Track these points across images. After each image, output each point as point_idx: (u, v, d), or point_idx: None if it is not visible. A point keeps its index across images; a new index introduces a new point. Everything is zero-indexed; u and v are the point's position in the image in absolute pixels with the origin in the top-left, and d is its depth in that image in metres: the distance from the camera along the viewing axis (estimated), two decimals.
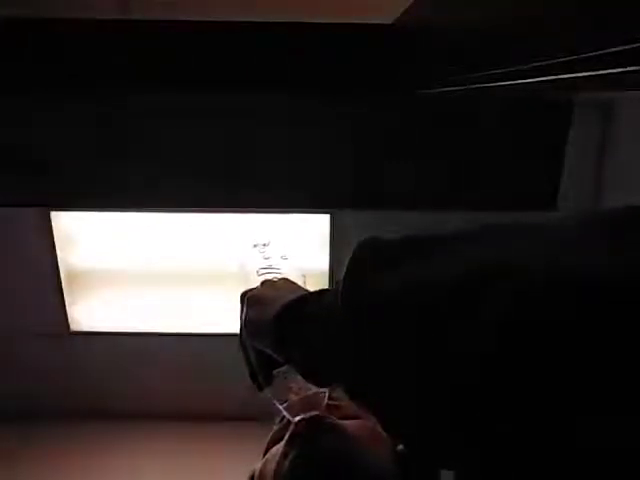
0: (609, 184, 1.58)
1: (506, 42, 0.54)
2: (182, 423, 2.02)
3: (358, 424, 0.62)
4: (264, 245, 0.75)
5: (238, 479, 0.72)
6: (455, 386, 0.30)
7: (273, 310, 0.51)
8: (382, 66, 1.08)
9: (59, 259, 1.87)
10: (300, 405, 0.62)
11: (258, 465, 0.66)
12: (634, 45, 0.32)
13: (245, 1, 1.12)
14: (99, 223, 1.86)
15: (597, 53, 0.36)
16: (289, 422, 0.62)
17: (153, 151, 1.34)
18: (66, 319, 1.96)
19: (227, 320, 1.87)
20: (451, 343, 0.31)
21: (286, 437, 0.61)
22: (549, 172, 1.38)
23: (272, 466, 0.60)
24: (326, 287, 0.49)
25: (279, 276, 0.68)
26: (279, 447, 0.62)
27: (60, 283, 1.90)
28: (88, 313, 1.99)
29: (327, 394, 0.64)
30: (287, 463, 0.58)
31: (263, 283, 0.63)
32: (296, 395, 0.62)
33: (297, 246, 1.84)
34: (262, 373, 0.60)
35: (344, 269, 0.40)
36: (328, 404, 0.63)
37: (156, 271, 1.94)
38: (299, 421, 0.60)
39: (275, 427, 0.69)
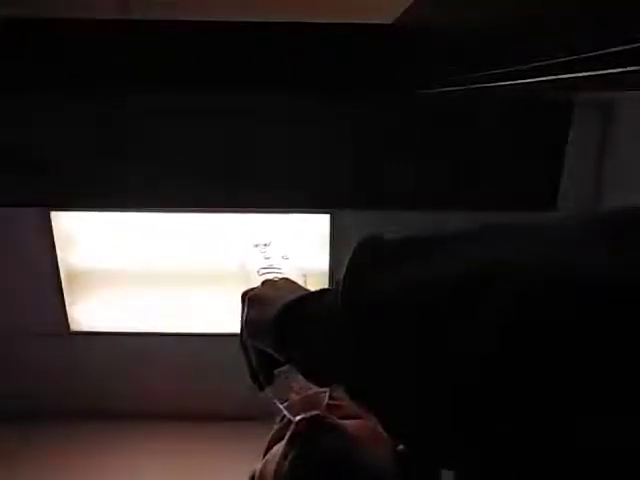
0: (609, 184, 1.58)
1: (506, 42, 0.54)
2: (182, 423, 2.02)
3: (358, 424, 0.62)
4: (265, 245, 0.75)
5: (238, 479, 0.72)
6: (455, 386, 0.30)
7: (274, 310, 0.51)
8: (382, 66, 1.08)
9: (59, 259, 1.87)
10: (301, 404, 0.62)
11: (258, 465, 0.66)
12: (634, 45, 0.32)
13: (245, 1, 1.12)
14: (99, 223, 1.86)
15: (597, 53, 0.36)
16: (290, 422, 0.62)
17: (153, 151, 1.34)
18: (66, 319, 1.96)
19: (227, 320, 1.87)
20: (451, 343, 0.31)
21: (286, 437, 0.61)
22: (549, 172, 1.38)
23: (272, 466, 0.60)
24: (326, 287, 0.49)
25: (280, 276, 0.68)
26: (279, 447, 0.62)
27: (60, 283, 1.90)
28: (88, 313, 1.99)
29: (328, 394, 0.64)
30: (287, 463, 0.58)
31: (264, 283, 0.63)
32: (297, 395, 0.62)
33: (297, 246, 1.84)
34: (263, 373, 0.60)
35: (344, 268, 0.40)
36: (328, 404, 0.63)
37: (156, 271, 1.94)
38: (299, 421, 0.60)
39: (276, 427, 0.68)
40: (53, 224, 1.82)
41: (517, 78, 0.51)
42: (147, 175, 1.35)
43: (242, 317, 0.59)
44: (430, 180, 1.37)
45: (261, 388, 0.62)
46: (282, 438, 0.62)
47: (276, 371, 0.60)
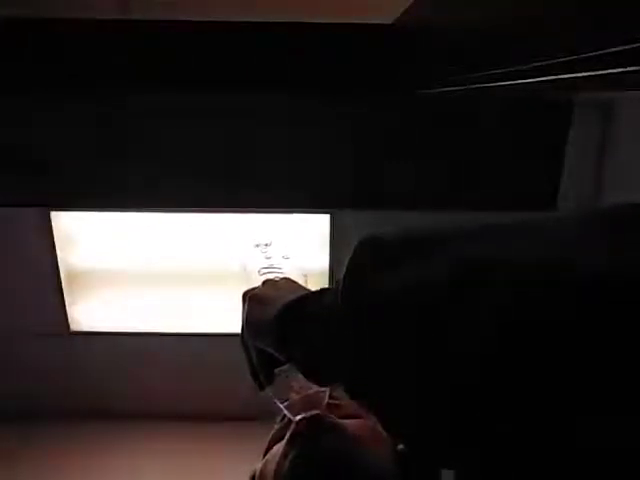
0: (609, 184, 1.58)
1: (506, 42, 0.54)
2: (182, 423, 2.02)
3: (359, 424, 0.62)
4: (266, 245, 0.75)
5: (238, 479, 0.72)
6: (455, 386, 0.30)
7: (274, 309, 0.51)
8: (382, 66, 1.08)
9: (59, 259, 1.87)
10: (301, 404, 0.62)
11: (259, 465, 0.66)
12: (634, 45, 0.32)
13: (245, 1, 1.12)
14: (99, 223, 1.86)
15: (597, 53, 0.36)
16: (290, 421, 0.62)
17: (153, 151, 1.34)
18: (66, 319, 1.96)
19: (227, 320, 1.87)
20: (451, 343, 0.31)
21: (287, 436, 0.61)
22: (549, 172, 1.38)
23: (272, 466, 0.60)
24: (327, 286, 0.49)
25: (281, 276, 0.68)
26: (280, 446, 0.62)
27: (60, 283, 1.90)
28: (88, 313, 1.99)
29: (328, 393, 0.64)
30: (287, 462, 0.58)
31: (265, 283, 0.63)
32: (297, 394, 0.62)
33: (297, 246, 1.84)
34: (263, 372, 0.60)
35: (344, 268, 0.40)
36: (329, 403, 0.63)
37: (156, 271, 1.94)
38: (300, 420, 0.60)
39: (276, 426, 0.69)
40: (53, 224, 1.82)
41: (517, 78, 0.51)
42: (147, 175, 1.36)
43: (243, 316, 0.60)
44: (430, 180, 1.37)
45: (261, 387, 0.62)
46: (282, 438, 0.62)
47: (276, 370, 0.60)
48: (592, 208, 0.37)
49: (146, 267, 1.93)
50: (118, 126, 1.31)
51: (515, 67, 0.49)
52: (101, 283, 1.95)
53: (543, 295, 0.28)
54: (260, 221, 1.83)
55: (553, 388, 0.27)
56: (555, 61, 0.41)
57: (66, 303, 1.94)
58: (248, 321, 0.58)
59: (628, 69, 0.35)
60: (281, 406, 0.63)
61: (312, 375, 0.49)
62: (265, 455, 0.66)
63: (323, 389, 0.63)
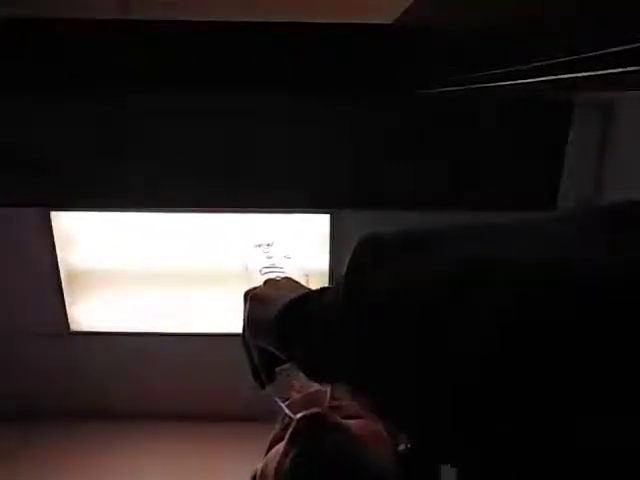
0: (609, 184, 1.58)
1: (506, 42, 0.54)
2: (182, 423, 2.02)
3: (360, 424, 0.62)
4: (268, 245, 0.75)
5: (239, 479, 0.72)
6: (455, 386, 0.30)
7: (275, 308, 0.52)
8: (382, 66, 1.08)
9: (59, 259, 1.86)
10: (302, 403, 0.62)
11: (260, 465, 0.66)
12: (634, 45, 0.32)
13: (245, 1, 1.12)
14: (99, 223, 1.86)
15: (597, 53, 0.36)
16: (291, 421, 0.62)
17: (153, 151, 1.34)
18: (66, 319, 1.96)
19: (227, 320, 1.87)
20: (451, 343, 0.31)
21: (287, 435, 0.61)
22: (549, 172, 1.38)
23: (273, 465, 0.60)
24: (327, 286, 0.49)
25: (282, 275, 0.68)
26: (281, 446, 0.62)
27: (60, 283, 1.90)
28: (88, 313, 1.98)
29: (329, 392, 0.64)
30: (288, 461, 0.58)
31: (266, 282, 0.63)
32: (298, 393, 0.62)
33: (297, 246, 1.84)
34: (264, 371, 0.60)
35: (345, 267, 0.40)
36: (330, 404, 0.63)
37: (156, 271, 1.94)
38: (300, 418, 0.60)
39: (277, 426, 0.69)
40: (53, 224, 1.82)
41: (517, 78, 0.51)
42: (147, 175, 1.36)
43: (244, 316, 0.60)
44: (430, 180, 1.37)
45: (263, 386, 0.62)
46: (284, 438, 0.62)
47: (277, 369, 0.60)
48: (592, 206, 0.37)
49: (146, 267, 1.93)
50: (118, 126, 1.31)
51: (515, 67, 0.49)
52: (101, 283, 1.95)
53: (543, 295, 0.28)
54: (260, 221, 1.83)
55: (553, 388, 0.27)
56: (555, 61, 0.41)
57: (66, 303, 1.94)
58: (249, 320, 0.58)
59: (628, 69, 0.35)
60: (282, 405, 0.63)
61: (313, 374, 0.49)
62: (266, 455, 0.66)
63: (324, 388, 0.63)
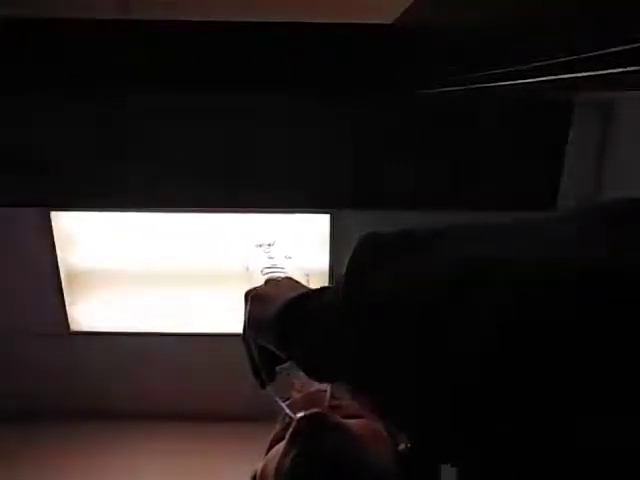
0: (609, 184, 1.58)
1: (506, 42, 0.54)
2: (182, 423, 2.02)
3: (360, 423, 0.62)
4: (269, 245, 0.75)
5: (239, 479, 0.72)
6: (455, 386, 0.30)
7: (275, 307, 0.52)
8: (382, 66, 1.08)
9: (59, 259, 1.87)
10: (302, 402, 0.62)
11: (260, 465, 0.66)
12: (634, 45, 0.32)
13: (245, 1, 1.12)
14: (99, 223, 1.86)
15: (597, 53, 0.36)
16: (292, 420, 0.62)
17: (153, 151, 1.34)
18: (66, 319, 1.96)
19: (227, 320, 1.87)
20: (451, 343, 0.31)
21: (288, 434, 0.61)
22: (549, 172, 1.38)
23: (274, 465, 0.60)
24: (327, 285, 0.49)
25: (283, 275, 0.69)
26: (281, 446, 0.62)
27: (60, 283, 1.90)
28: (88, 313, 1.98)
29: (329, 392, 0.64)
30: (288, 461, 0.58)
31: (267, 282, 0.63)
32: (299, 392, 0.62)
33: (297, 246, 1.84)
34: (265, 369, 0.60)
35: (345, 267, 0.40)
36: (330, 404, 0.63)
37: (156, 271, 1.94)
38: (300, 418, 0.60)
39: (278, 426, 0.69)
40: (53, 224, 1.82)
41: (517, 78, 0.51)
42: (147, 175, 1.35)
43: (245, 315, 0.60)
44: (430, 180, 1.37)
45: (263, 385, 0.62)
46: (284, 437, 0.62)
47: (278, 368, 0.60)
48: (591, 204, 0.37)
49: (146, 267, 1.93)
50: (118, 126, 1.31)
51: (515, 67, 0.49)
52: (101, 283, 1.95)
53: (543, 295, 0.28)
54: (260, 221, 1.83)
55: (553, 388, 0.27)
56: (555, 61, 0.41)
57: (66, 303, 1.94)
58: (250, 319, 0.59)
59: (628, 69, 0.35)
60: (282, 404, 0.63)
61: (313, 372, 0.49)
62: (266, 455, 0.66)
63: (324, 388, 0.63)
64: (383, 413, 0.39)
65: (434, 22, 0.84)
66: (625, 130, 1.53)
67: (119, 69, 1.12)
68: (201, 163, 1.35)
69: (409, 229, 0.39)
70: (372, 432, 0.61)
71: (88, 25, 1.09)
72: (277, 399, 0.63)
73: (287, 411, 0.63)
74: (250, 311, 0.59)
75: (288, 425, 0.63)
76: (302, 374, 0.51)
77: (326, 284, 0.50)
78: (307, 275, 0.70)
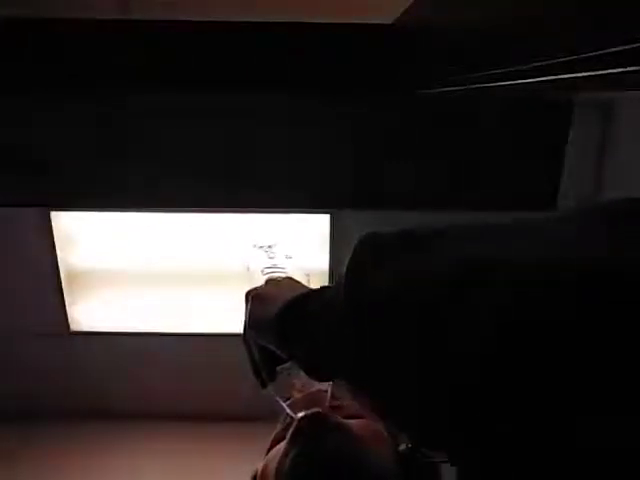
0: (609, 184, 1.58)
1: (506, 42, 0.54)
2: (182, 423, 2.02)
3: (361, 424, 0.62)
4: (269, 246, 0.75)
5: (239, 479, 0.72)
6: (455, 386, 0.30)
7: (275, 307, 0.52)
8: (382, 66, 1.08)
9: (59, 259, 1.87)
10: (303, 402, 0.62)
11: (260, 465, 0.66)
12: (634, 45, 0.32)
13: (245, 1, 1.12)
14: (99, 223, 1.86)
15: (597, 53, 0.36)
16: (292, 420, 0.62)
17: (153, 151, 1.34)
18: (66, 319, 1.96)
19: (227, 320, 1.87)
20: (451, 343, 0.31)
21: (288, 434, 0.61)
22: (549, 172, 1.38)
23: (274, 465, 0.60)
24: (327, 284, 0.49)
25: (283, 275, 0.69)
26: (281, 446, 0.62)
27: (60, 283, 1.90)
28: (88, 313, 1.99)
29: (330, 392, 0.64)
30: (289, 461, 0.58)
31: (267, 282, 0.63)
32: (299, 392, 0.62)
33: (297, 246, 1.84)
34: (265, 369, 0.60)
35: (345, 267, 0.40)
36: (330, 404, 0.63)
37: (156, 271, 1.94)
38: (301, 418, 0.60)
39: (279, 426, 0.69)
40: (53, 224, 1.82)
41: (517, 78, 0.51)
42: (147, 175, 1.35)
43: (245, 315, 0.60)
44: (430, 180, 1.37)
45: (264, 385, 0.62)
46: (285, 437, 0.62)
47: (278, 368, 0.60)
48: (591, 204, 0.37)
49: (146, 267, 1.93)
50: (118, 126, 1.31)
51: (515, 67, 0.49)
52: (101, 283, 1.95)
53: (543, 295, 0.28)
54: (260, 221, 1.83)
55: (553, 388, 0.27)
56: (555, 61, 0.41)
57: (66, 303, 1.94)
58: (250, 319, 0.59)
59: (628, 69, 0.35)
60: (283, 404, 0.63)
61: (313, 372, 0.49)
62: (267, 455, 0.66)
63: (325, 388, 0.63)
64: (383, 413, 0.39)
65: (434, 22, 0.84)
66: (625, 130, 1.53)
67: (119, 69, 1.12)
68: (201, 163, 1.35)
69: (409, 229, 0.39)
70: (373, 432, 0.61)
71: (88, 25, 1.09)
72: (278, 399, 0.63)
73: (288, 411, 0.63)
74: (251, 311, 0.59)
75: (289, 425, 0.63)
76: (303, 374, 0.51)
77: (326, 284, 0.50)
78: (307, 275, 0.70)
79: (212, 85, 1.13)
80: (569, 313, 0.27)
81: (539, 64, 0.44)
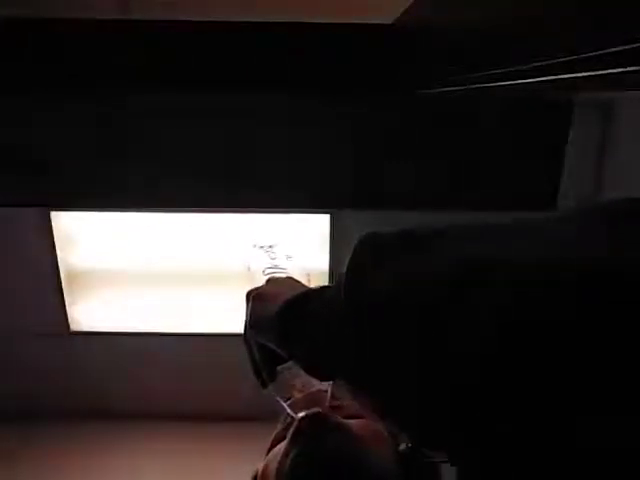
0: (609, 184, 1.58)
1: (506, 42, 0.54)
2: (182, 423, 2.02)
3: (361, 424, 0.62)
4: (270, 246, 0.75)
5: (239, 479, 0.72)
6: (455, 386, 0.30)
7: (276, 306, 0.52)
8: (382, 66, 1.08)
9: (59, 259, 1.87)
10: (304, 402, 0.62)
11: (261, 465, 0.66)
12: (634, 45, 0.32)
13: (245, 1, 1.12)
14: (99, 223, 1.86)
15: (597, 53, 0.36)
16: (293, 420, 0.62)
17: (153, 151, 1.34)
18: (66, 319, 1.96)
19: (227, 320, 1.87)
20: (451, 343, 0.31)
21: (289, 434, 0.61)
22: (549, 172, 1.38)
23: (274, 465, 0.60)
24: (328, 284, 0.49)
25: (284, 275, 0.69)
26: (282, 446, 0.62)
27: (60, 283, 1.90)
28: (88, 313, 1.99)
29: (330, 392, 0.64)
30: (289, 461, 0.58)
31: (268, 281, 0.63)
32: (300, 392, 0.62)
33: (298, 246, 1.84)
34: (266, 369, 0.60)
35: (345, 267, 0.40)
36: (331, 404, 0.63)
37: (156, 271, 1.94)
38: (302, 418, 0.60)
39: (279, 426, 0.69)
40: (53, 224, 1.82)
41: (517, 78, 0.51)
42: (147, 175, 1.36)
43: (246, 314, 0.60)
44: (430, 180, 1.37)
45: (264, 384, 0.62)
46: (285, 437, 0.62)
47: (279, 368, 0.60)
48: (591, 204, 0.37)
49: (146, 267, 1.93)
50: (118, 126, 1.31)
51: (515, 67, 0.49)
52: (101, 283, 1.95)
53: (543, 295, 0.28)
54: (260, 221, 1.83)
55: (553, 388, 0.27)
56: (555, 61, 0.41)
57: (66, 303, 1.94)
58: (251, 318, 0.59)
59: (628, 69, 0.35)
60: (283, 404, 0.63)
61: (313, 371, 0.49)
62: (267, 455, 0.66)
63: (325, 388, 0.63)
64: (383, 413, 0.39)
65: (434, 22, 0.84)
66: (625, 130, 1.53)
67: (119, 69, 1.12)
68: (201, 163, 1.35)
69: (409, 229, 0.39)
70: (373, 432, 0.61)
71: (88, 25, 1.09)
72: (278, 399, 0.63)
73: (288, 411, 0.63)
74: (251, 310, 0.59)
75: (289, 425, 0.63)
76: (303, 374, 0.51)
77: (326, 284, 0.50)
78: (308, 275, 0.70)
79: (212, 85, 1.13)
80: (569, 313, 0.27)
81: (539, 64, 0.44)
